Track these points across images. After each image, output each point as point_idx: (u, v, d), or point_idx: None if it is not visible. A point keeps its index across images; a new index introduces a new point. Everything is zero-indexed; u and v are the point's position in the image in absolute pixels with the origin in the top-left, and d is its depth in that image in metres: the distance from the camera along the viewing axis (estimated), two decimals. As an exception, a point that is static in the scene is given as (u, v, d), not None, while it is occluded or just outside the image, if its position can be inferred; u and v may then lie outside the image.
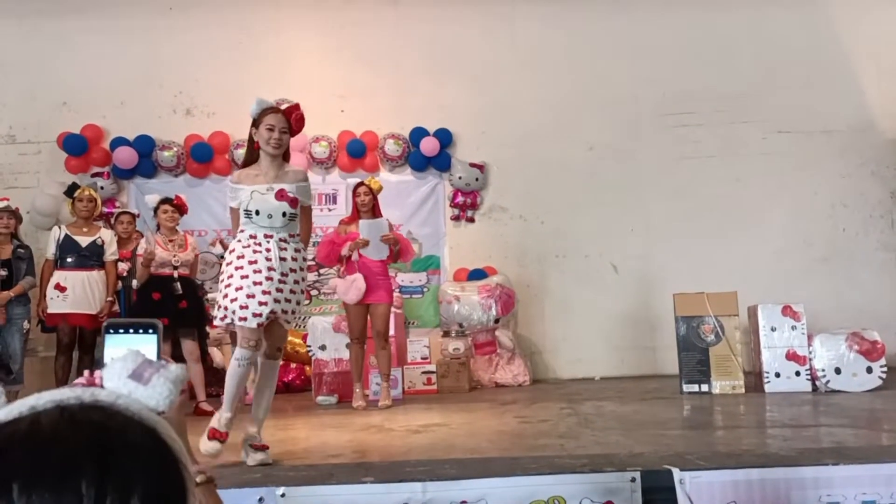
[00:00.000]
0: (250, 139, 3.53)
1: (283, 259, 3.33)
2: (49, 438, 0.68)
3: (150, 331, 1.14)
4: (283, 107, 3.53)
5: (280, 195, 3.36)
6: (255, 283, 3.26)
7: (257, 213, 3.35)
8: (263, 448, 3.23)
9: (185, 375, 1.00)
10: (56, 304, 5.46)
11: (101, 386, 0.82)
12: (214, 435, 3.19)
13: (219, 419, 3.26)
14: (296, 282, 3.39)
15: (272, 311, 3.27)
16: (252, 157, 3.52)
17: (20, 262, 5.71)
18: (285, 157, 3.55)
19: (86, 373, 0.91)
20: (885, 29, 7.42)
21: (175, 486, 0.73)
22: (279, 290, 3.29)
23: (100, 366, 0.92)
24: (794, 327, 5.35)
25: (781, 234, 7.33)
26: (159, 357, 1.15)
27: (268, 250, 3.31)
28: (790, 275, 7.10)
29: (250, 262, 3.29)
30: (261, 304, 3.24)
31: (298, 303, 3.45)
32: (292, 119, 3.45)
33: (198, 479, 1.15)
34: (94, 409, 0.73)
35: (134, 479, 0.68)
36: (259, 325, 3.28)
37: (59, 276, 5.53)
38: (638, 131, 7.51)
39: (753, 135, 7.45)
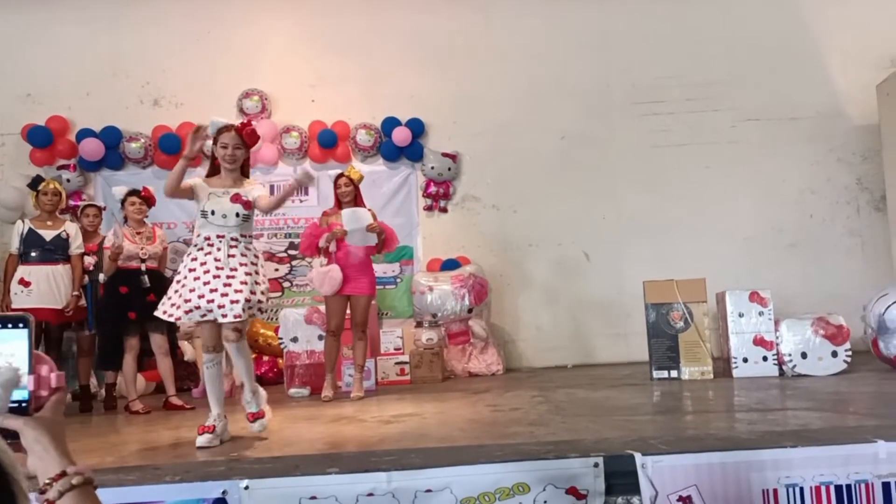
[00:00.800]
0: (212, 155, 3.87)
1: (231, 256, 3.61)
2: None
3: (21, 325, 1.11)
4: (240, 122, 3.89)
5: (234, 198, 3.67)
6: (204, 284, 3.55)
7: (213, 213, 3.66)
8: (261, 416, 3.67)
9: (15, 377, 0.96)
10: (20, 300, 5.35)
11: None
12: (203, 430, 3.51)
13: (210, 416, 3.61)
14: (247, 273, 3.62)
15: (210, 301, 3.52)
16: (214, 171, 3.87)
17: (-17, 256, 5.62)
18: (244, 172, 3.88)
19: None
20: (852, 17, 7.51)
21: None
22: (227, 285, 3.55)
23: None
24: (761, 313, 5.41)
25: (750, 221, 7.43)
26: (31, 354, 1.11)
27: (218, 249, 3.61)
28: (759, 261, 7.20)
29: (202, 264, 3.61)
30: (209, 301, 3.53)
31: (253, 292, 3.62)
32: (244, 135, 3.75)
33: (73, 482, 1.11)
34: None
35: None
36: (212, 319, 3.56)
37: (23, 271, 5.42)
38: (609, 120, 7.54)
39: (723, 123, 7.53)
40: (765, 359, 5.37)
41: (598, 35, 7.60)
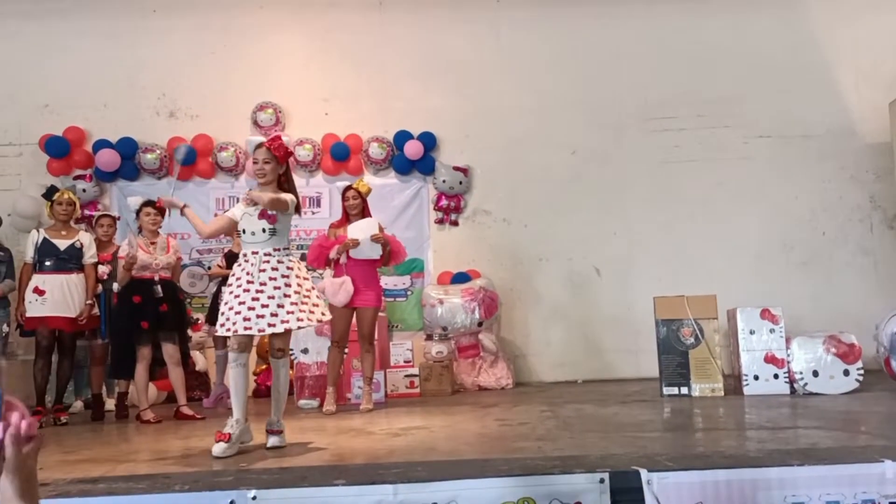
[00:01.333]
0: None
1: (262, 271, 3.75)
2: None
3: None
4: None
5: (261, 214, 3.81)
6: (235, 297, 3.73)
7: (244, 231, 3.87)
8: (278, 433, 3.78)
9: None
10: (35, 308, 5.41)
11: None
12: (219, 438, 3.54)
13: (228, 423, 3.65)
14: (276, 288, 3.73)
15: (245, 319, 3.66)
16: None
17: (0, 264, 5.68)
18: (282, 187, 3.96)
19: None
20: (863, 35, 7.51)
21: None
22: (255, 300, 3.69)
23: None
24: (772, 330, 5.39)
25: (762, 238, 7.40)
26: (2, 400, 1.11)
27: (252, 265, 3.77)
28: (771, 278, 7.17)
29: (237, 279, 3.78)
30: (236, 313, 3.68)
31: (280, 305, 3.71)
32: (272, 149, 3.89)
33: None
34: None
35: None
36: (233, 331, 3.69)
37: (37, 280, 5.48)
38: (620, 136, 7.56)
39: (734, 139, 7.52)
40: (776, 376, 5.34)
41: (609, 51, 7.63)
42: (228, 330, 3.71)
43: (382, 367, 6.24)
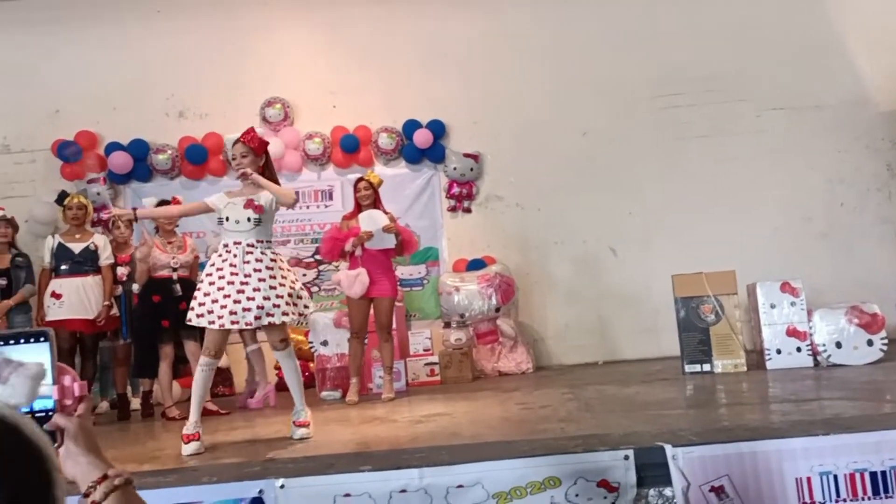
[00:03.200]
0: None
1: (246, 262, 3.68)
2: None
3: (42, 339, 1.16)
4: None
5: (247, 204, 3.78)
6: (218, 289, 3.64)
7: (227, 219, 3.80)
8: (305, 424, 3.80)
9: (41, 371, 1.03)
10: (53, 312, 5.49)
11: None
12: (189, 439, 3.51)
13: (188, 424, 3.59)
14: (261, 280, 3.66)
15: (232, 312, 3.58)
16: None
17: (19, 270, 5.74)
18: (266, 178, 3.93)
19: None
20: (874, 2, 7.38)
21: (40, 481, 0.72)
22: (240, 292, 3.62)
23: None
24: (793, 303, 5.35)
25: (779, 211, 7.32)
26: (54, 365, 1.17)
27: (234, 256, 3.69)
28: (790, 251, 7.09)
29: (218, 270, 3.69)
30: (222, 307, 3.59)
31: (267, 297, 3.66)
32: (247, 142, 3.85)
33: (116, 482, 1.18)
34: None
35: None
36: (219, 325, 3.60)
37: (54, 284, 5.55)
38: (631, 115, 7.49)
39: (747, 113, 7.43)
40: (798, 349, 5.30)
41: (616, 30, 7.56)
42: (212, 323, 3.60)
43: (402, 356, 6.26)
